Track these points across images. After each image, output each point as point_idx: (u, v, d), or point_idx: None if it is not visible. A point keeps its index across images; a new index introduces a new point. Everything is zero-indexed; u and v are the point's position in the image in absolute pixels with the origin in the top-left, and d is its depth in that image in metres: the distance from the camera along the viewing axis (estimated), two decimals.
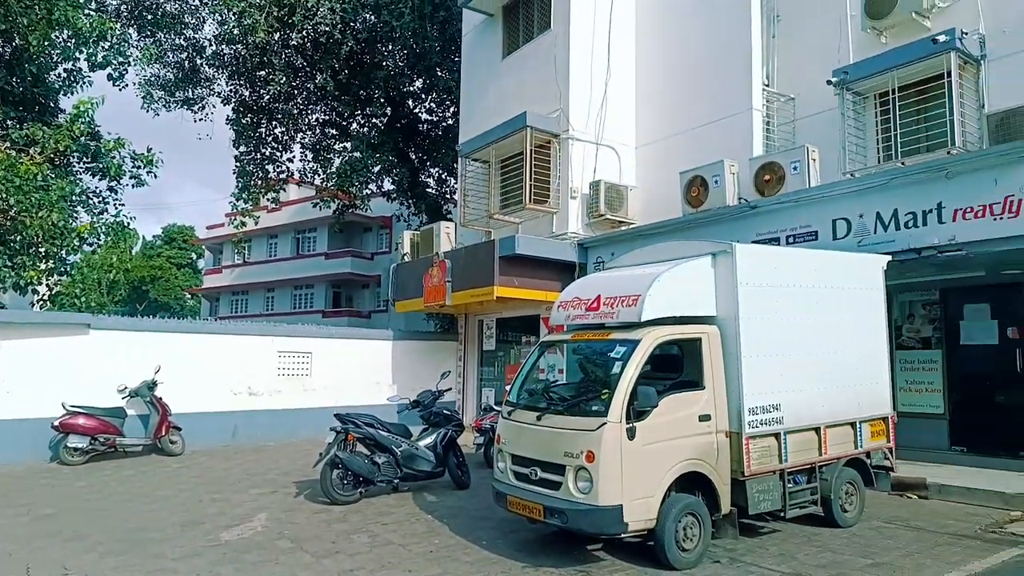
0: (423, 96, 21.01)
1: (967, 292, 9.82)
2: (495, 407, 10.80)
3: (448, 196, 21.11)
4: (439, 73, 19.74)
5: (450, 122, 20.42)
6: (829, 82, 10.12)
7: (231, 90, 19.89)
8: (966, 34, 9.31)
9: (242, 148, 20.09)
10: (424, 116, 21.43)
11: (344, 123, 20.83)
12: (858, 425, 7.07)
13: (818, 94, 10.65)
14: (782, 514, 6.46)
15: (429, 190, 21.25)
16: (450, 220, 16.47)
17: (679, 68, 12.76)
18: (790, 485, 6.47)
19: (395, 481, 8.40)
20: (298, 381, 13.62)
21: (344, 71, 18.68)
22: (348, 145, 20.67)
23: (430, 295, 13.78)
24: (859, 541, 6.45)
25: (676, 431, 5.84)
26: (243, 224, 20.17)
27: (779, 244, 9.12)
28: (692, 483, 5.92)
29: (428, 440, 8.66)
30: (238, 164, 20.12)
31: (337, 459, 7.93)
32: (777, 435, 6.39)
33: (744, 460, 6.09)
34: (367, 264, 35.07)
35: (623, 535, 5.57)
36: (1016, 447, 9.14)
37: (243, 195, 19.96)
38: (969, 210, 7.53)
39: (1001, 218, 7.28)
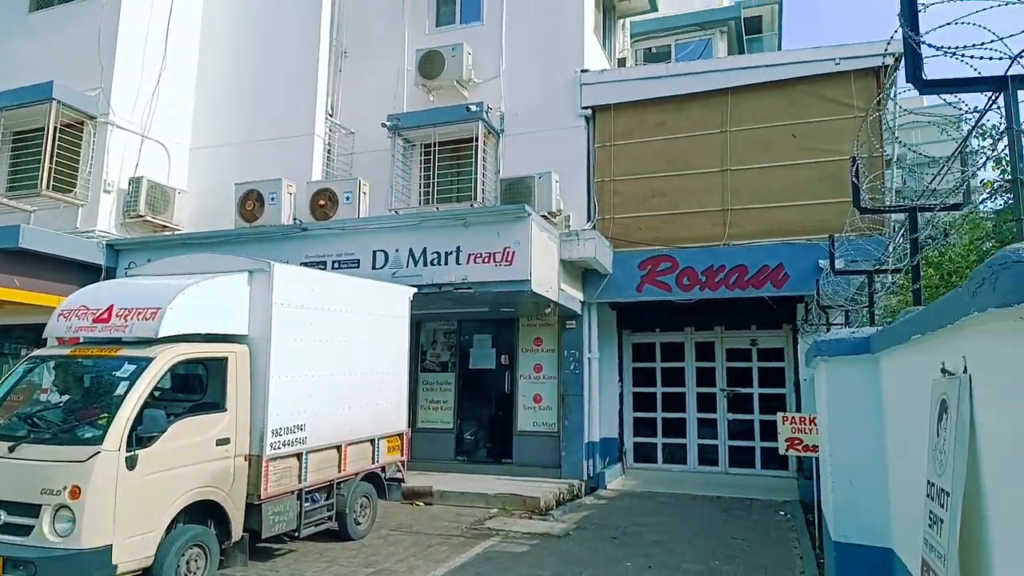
0: None
1: (477, 324, 11.73)
2: None
3: None
4: None
5: None
6: (384, 125, 11.12)
7: None
8: (491, 109, 11.32)
9: None
10: None
11: None
12: (377, 441, 7.73)
13: (375, 133, 11.59)
14: (297, 534, 6.61)
15: None
16: None
17: (246, 78, 12.40)
18: (308, 504, 6.68)
19: None
20: None
21: None
22: None
23: None
24: (366, 551, 7.01)
25: (188, 457, 5.50)
26: None
27: (325, 268, 9.50)
28: (204, 511, 5.63)
29: None
30: None
31: None
32: (299, 455, 6.55)
33: (262, 483, 6.07)
34: None
35: None
36: (500, 455, 11.21)
37: None
38: (479, 255, 9.04)
39: (500, 265, 8.93)
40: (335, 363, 7.09)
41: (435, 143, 11.08)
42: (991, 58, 2.15)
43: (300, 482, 6.54)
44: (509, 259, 8.79)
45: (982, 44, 2.23)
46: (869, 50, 9.59)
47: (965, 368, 2.16)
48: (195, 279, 6.05)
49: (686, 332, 12.04)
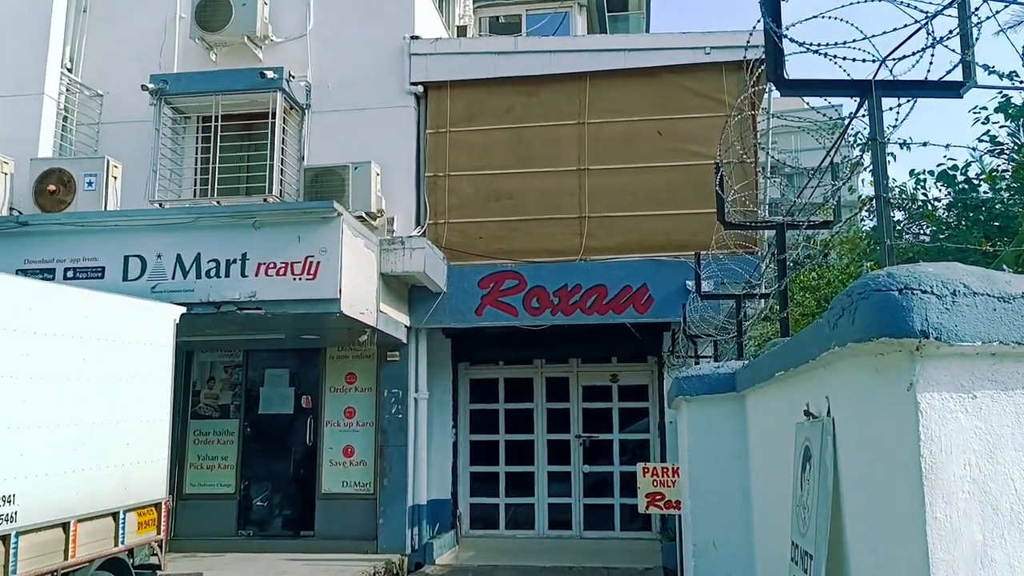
0: None
1: (270, 356, 11.35)
2: None
3: None
4: None
5: None
6: (146, 88, 10.47)
7: None
8: (295, 78, 11.04)
9: None
10: None
11: None
12: (123, 515, 7.16)
13: (133, 98, 10.87)
14: None
15: None
16: None
17: None
18: None
19: None
20: None
21: None
22: None
23: None
24: None
25: None
26: None
27: (54, 278, 8.75)
28: None
29: None
30: None
31: None
32: (6, 537, 5.91)
33: None
34: None
35: None
36: (299, 525, 10.84)
37: None
38: (272, 266, 8.73)
39: (300, 279, 8.67)
40: (63, 408, 6.51)
41: (217, 116, 10.61)
42: (855, 60, 2.40)
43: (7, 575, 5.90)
44: (313, 271, 8.59)
45: (850, 42, 2.48)
46: (743, 40, 10.47)
47: (829, 410, 2.37)
48: None
49: (536, 366, 12.37)
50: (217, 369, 11.54)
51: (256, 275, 8.69)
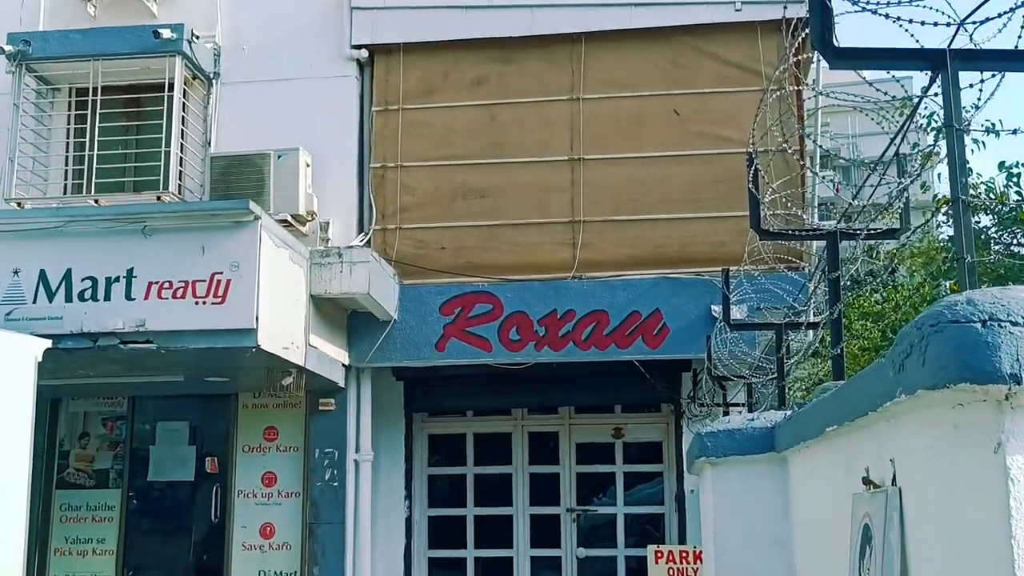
0: None
1: (164, 404, 11.26)
2: None
3: None
4: None
5: None
6: (0, 50, 10.41)
7: None
8: (198, 38, 11.02)
9: None
10: None
11: None
12: None
13: None
14: None
15: None
16: None
17: None
18: None
19: None
20: None
21: None
22: None
23: None
24: None
25: None
26: None
27: None
28: None
29: None
30: None
31: None
32: None
33: None
34: None
35: None
36: None
37: None
38: (167, 285, 8.64)
39: (204, 302, 8.59)
40: None
41: (96, 88, 10.56)
42: (924, 23, 2.44)
43: None
44: (221, 293, 8.54)
45: (915, 1, 2.52)
46: None
47: (894, 478, 2.38)
48: None
49: (515, 417, 12.35)
50: (93, 422, 11.44)
51: (146, 298, 8.61)
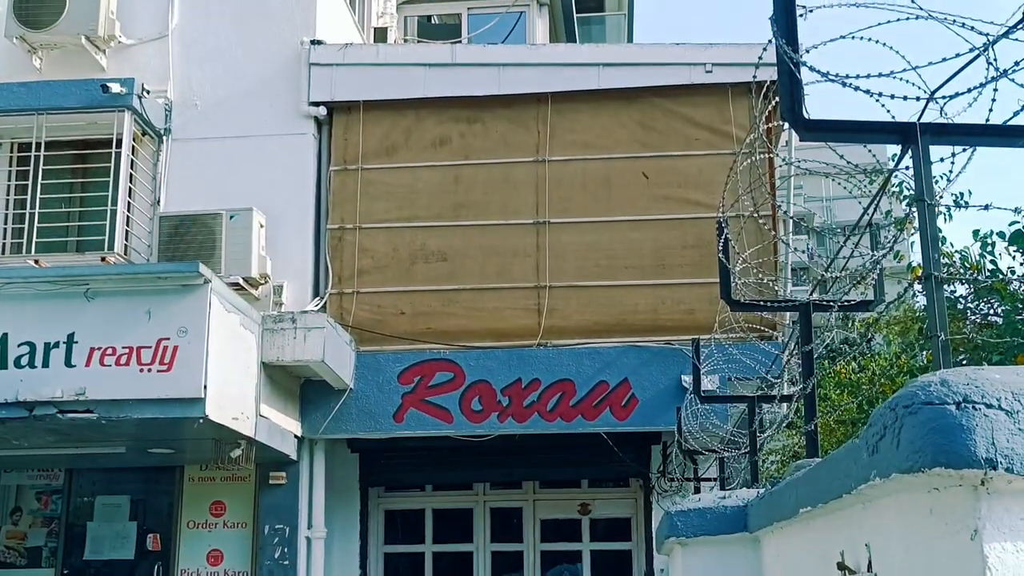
0: None
1: (103, 478, 11.08)
2: None
3: None
4: None
5: None
6: None
7: None
8: (149, 92, 11.06)
9: None
10: None
11: None
12: None
13: None
14: None
15: None
16: None
17: None
18: None
19: None
20: None
21: None
22: None
23: None
24: None
25: None
26: None
27: None
28: None
29: None
30: None
31: None
32: None
33: None
34: None
35: None
36: None
37: None
38: (110, 352, 8.57)
39: (149, 370, 8.51)
40: None
41: (40, 144, 10.54)
42: (894, 96, 2.50)
43: None
44: (167, 361, 8.50)
45: (887, 74, 2.59)
46: (755, 54, 10.79)
47: (870, 564, 2.39)
48: None
49: (477, 492, 12.29)
50: (25, 496, 11.26)
51: (87, 364, 8.54)
